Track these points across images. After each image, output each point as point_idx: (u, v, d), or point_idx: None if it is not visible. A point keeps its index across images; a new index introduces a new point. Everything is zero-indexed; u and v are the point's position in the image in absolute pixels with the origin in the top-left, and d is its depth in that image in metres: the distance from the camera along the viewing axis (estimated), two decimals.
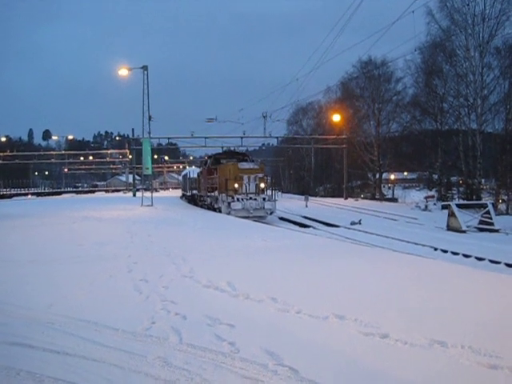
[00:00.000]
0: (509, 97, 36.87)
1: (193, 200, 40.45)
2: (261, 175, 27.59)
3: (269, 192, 27.94)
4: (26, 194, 78.08)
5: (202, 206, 34.07)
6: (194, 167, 58.26)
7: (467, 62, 37.39)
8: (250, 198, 26.35)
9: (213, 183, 30.33)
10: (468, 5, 35.73)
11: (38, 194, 79.94)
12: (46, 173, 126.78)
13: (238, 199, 26.17)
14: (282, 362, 4.42)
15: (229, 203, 26.15)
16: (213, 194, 30.03)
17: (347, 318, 5.67)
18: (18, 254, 11.32)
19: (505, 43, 36.69)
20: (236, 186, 26.69)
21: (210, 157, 34.89)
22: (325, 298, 6.62)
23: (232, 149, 44.24)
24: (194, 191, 40.07)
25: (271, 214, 27.35)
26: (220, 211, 27.10)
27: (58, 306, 6.45)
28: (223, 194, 27.01)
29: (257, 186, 27.02)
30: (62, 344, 4.98)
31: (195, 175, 40.93)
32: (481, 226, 24.07)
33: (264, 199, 26.66)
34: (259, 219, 25.20)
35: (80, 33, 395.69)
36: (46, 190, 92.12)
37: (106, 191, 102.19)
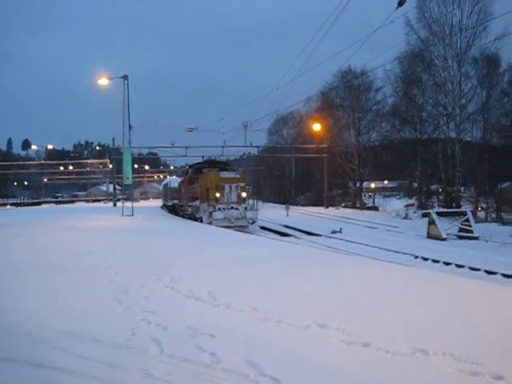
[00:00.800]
0: (486, 106, 37.38)
1: (174, 210, 40.18)
2: (242, 184, 27.43)
3: (250, 201, 27.72)
4: (5, 205, 77.32)
5: (183, 216, 33.82)
6: (174, 177, 58.08)
7: (445, 72, 37.86)
8: (232, 208, 26.13)
9: (194, 193, 30.15)
10: (445, 15, 36.24)
11: (18, 205, 79.15)
12: (26, 183, 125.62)
13: (219, 209, 25.89)
14: (263, 372, 4.39)
15: (210, 213, 25.88)
16: (194, 203, 29.80)
17: (329, 327, 5.66)
18: None
19: (482, 53, 37.27)
20: (217, 195, 26.41)
21: (191, 166, 34.95)
22: (306, 307, 6.62)
23: (213, 158, 44.18)
24: (175, 201, 39.83)
25: (253, 223, 27.18)
26: (202, 221, 26.83)
27: (37, 317, 6.37)
28: (205, 204, 26.78)
29: (238, 195, 26.84)
30: (41, 356, 4.90)
31: (176, 185, 40.77)
32: (460, 234, 24.25)
33: (246, 208, 26.50)
34: (241, 229, 24.93)
35: (60, 42, 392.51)
36: (26, 201, 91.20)
37: (87, 201, 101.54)
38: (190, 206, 31.53)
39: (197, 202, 28.87)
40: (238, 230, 23.05)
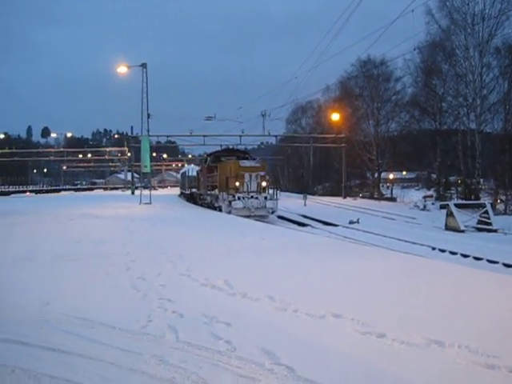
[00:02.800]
0: (508, 97, 36.90)
1: (192, 198, 39.94)
2: (262, 173, 27.13)
3: (270, 191, 27.42)
4: (25, 192, 77.98)
5: (201, 205, 33.56)
6: (192, 165, 58.17)
7: (466, 62, 37.41)
8: (252, 197, 25.88)
9: (213, 181, 29.86)
10: (468, 4, 35.76)
11: (37, 192, 79.78)
12: (45, 170, 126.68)
13: (239, 198, 25.68)
14: (278, 361, 4.40)
15: (229, 202, 25.71)
16: (213, 192, 29.55)
17: (344, 317, 5.65)
18: (15, 251, 11.25)
19: (504, 43, 36.75)
20: (237, 184, 26.13)
21: (209, 154, 34.51)
22: (322, 297, 6.61)
23: (231, 147, 43.93)
24: (194, 189, 39.59)
25: (273, 213, 26.93)
26: (220, 210, 26.57)
27: (54, 304, 6.42)
28: (224, 193, 26.54)
29: (258, 184, 26.56)
30: (58, 342, 4.96)
31: (194, 173, 40.58)
32: (479, 226, 24.08)
33: (266, 198, 26.20)
34: (260, 218, 24.74)
35: (79, 32, 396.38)
36: (45, 188, 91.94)
37: (105, 189, 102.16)
38: (208, 194, 31.25)
39: (216, 191, 28.57)
40: (257, 220, 22.99)
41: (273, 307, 6.21)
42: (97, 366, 4.40)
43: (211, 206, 29.64)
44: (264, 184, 27.07)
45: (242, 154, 31.91)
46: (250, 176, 26.45)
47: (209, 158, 32.96)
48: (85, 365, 4.42)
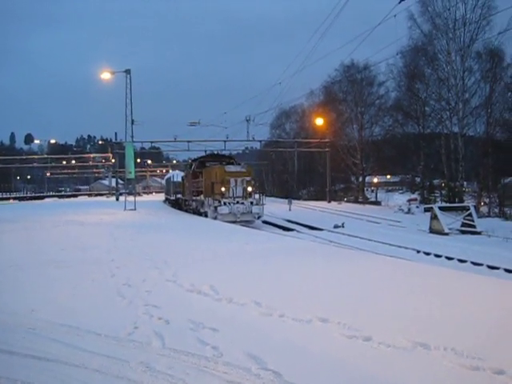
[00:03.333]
0: (489, 100, 37.29)
1: (177, 204, 39.68)
2: (248, 178, 26.83)
3: (256, 196, 27.20)
4: (8, 199, 77.35)
5: (186, 211, 33.36)
6: (177, 171, 58.02)
7: (448, 66, 37.75)
8: (237, 202, 25.71)
9: (198, 187, 29.67)
10: (449, 9, 36.07)
11: (21, 199, 79.20)
12: (29, 177, 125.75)
13: (224, 203, 25.46)
14: (265, 366, 4.41)
15: (215, 207, 25.43)
16: (198, 197, 29.34)
17: (330, 321, 5.67)
18: None
19: (485, 47, 37.16)
20: (223, 189, 25.88)
21: (194, 160, 34.26)
22: (308, 302, 6.62)
23: (216, 152, 43.81)
24: (179, 195, 39.31)
25: (259, 218, 26.78)
26: (206, 216, 26.31)
27: (40, 311, 6.39)
28: (209, 198, 26.31)
29: (244, 189, 26.38)
30: (44, 350, 4.93)
31: (179, 179, 40.36)
32: (463, 229, 24.26)
33: (251, 203, 26.02)
34: (246, 224, 24.55)
35: (64, 37, 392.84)
36: (29, 195, 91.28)
37: (89, 195, 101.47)
38: (194, 200, 31.00)
39: (201, 197, 28.38)
40: (242, 225, 22.86)
41: (259, 312, 6.21)
42: (82, 373, 4.38)
43: (197, 212, 29.42)
44: (250, 189, 26.82)
45: (227, 160, 31.82)
46: (236, 181, 26.19)
47: (194, 164, 32.74)
48: (70, 372, 4.40)
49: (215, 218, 24.87)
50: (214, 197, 25.97)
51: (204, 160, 32.39)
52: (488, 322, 5.65)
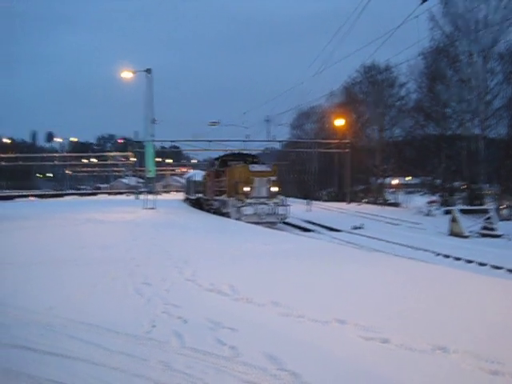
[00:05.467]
0: None
1: (198, 204, 39.07)
2: (273, 178, 25.92)
3: (281, 196, 26.33)
4: (28, 196, 78.06)
5: (208, 211, 32.63)
6: (198, 170, 58.10)
7: (470, 68, 37.38)
8: (262, 203, 24.87)
9: (221, 186, 29.01)
10: (471, 11, 35.72)
11: (41, 196, 79.88)
12: (49, 175, 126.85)
13: (249, 204, 24.70)
14: (283, 367, 4.41)
15: (239, 208, 24.72)
16: (221, 197, 28.58)
17: (348, 323, 5.66)
18: (19, 255, 11.30)
19: (508, 49, 36.70)
20: (247, 189, 25.14)
21: (217, 159, 33.59)
22: (326, 303, 6.62)
23: (238, 151, 43.38)
24: (200, 195, 38.59)
25: (284, 219, 26.03)
26: (229, 216, 25.65)
27: (59, 309, 6.45)
28: (232, 198, 25.68)
29: (269, 189, 25.60)
30: (63, 347, 4.98)
31: (200, 178, 40.04)
32: (483, 232, 24.02)
33: (277, 204, 25.31)
34: (271, 225, 23.90)
35: (84, 37, 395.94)
36: (49, 192, 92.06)
37: (109, 194, 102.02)
38: (216, 200, 30.22)
39: (223, 197, 27.75)
40: (263, 226, 22.24)
41: (277, 312, 6.21)
42: (101, 371, 4.41)
43: (218, 212, 28.74)
44: (275, 189, 25.97)
45: (251, 159, 31.11)
46: (261, 181, 25.49)
47: (216, 162, 32.04)
48: (89, 370, 4.43)
49: (238, 219, 24.20)
50: (238, 197, 25.22)
51: (227, 159, 31.55)
52: (508, 326, 5.61)
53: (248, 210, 24.43)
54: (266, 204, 24.92)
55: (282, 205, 25.59)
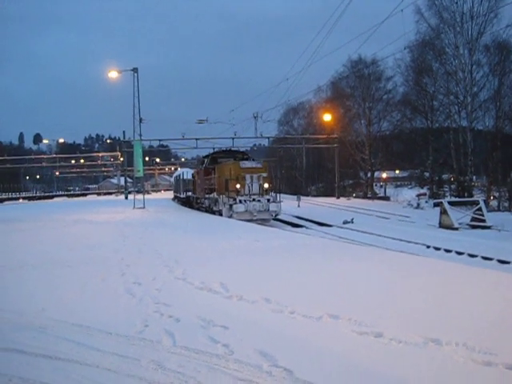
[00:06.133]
0: (498, 94, 37.09)
1: (188, 202, 38.78)
2: (265, 175, 25.74)
3: (272, 193, 25.98)
4: (18, 199, 77.67)
5: (198, 209, 32.40)
6: (187, 168, 57.99)
7: (456, 60, 37.58)
8: (254, 200, 24.52)
9: (211, 184, 28.60)
10: (456, 3, 35.92)
11: (30, 198, 79.55)
12: (38, 177, 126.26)
13: (240, 201, 24.34)
14: (276, 363, 4.39)
15: (230, 205, 24.34)
16: (211, 195, 28.19)
17: (341, 318, 5.65)
18: (9, 258, 11.22)
19: (493, 40, 36.96)
20: (238, 186, 24.69)
21: (206, 156, 33.27)
22: (318, 298, 6.61)
23: (227, 148, 43.07)
24: (189, 193, 38.43)
25: (276, 216, 25.81)
26: (220, 214, 25.41)
27: (50, 310, 6.40)
28: (223, 196, 25.25)
29: (260, 186, 25.23)
30: (55, 349, 4.94)
31: (189, 176, 39.79)
32: (473, 223, 24.15)
33: (268, 200, 24.93)
34: (263, 222, 23.58)
35: (70, 38, 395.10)
36: (38, 194, 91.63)
37: (98, 194, 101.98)
38: (206, 198, 29.87)
39: (214, 194, 27.36)
40: (259, 224, 22.17)
41: (269, 309, 6.20)
42: (93, 372, 4.38)
43: (209, 210, 28.46)
44: (267, 186, 25.58)
45: (241, 155, 30.75)
46: (252, 177, 25.15)
47: (206, 160, 31.68)
48: (81, 371, 4.40)
49: (230, 217, 23.93)
50: (229, 194, 24.80)
51: (216, 156, 31.28)
52: (500, 318, 5.62)
53: (240, 208, 24.14)
54: (257, 201, 24.64)
55: (274, 201, 25.29)
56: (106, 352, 4.83)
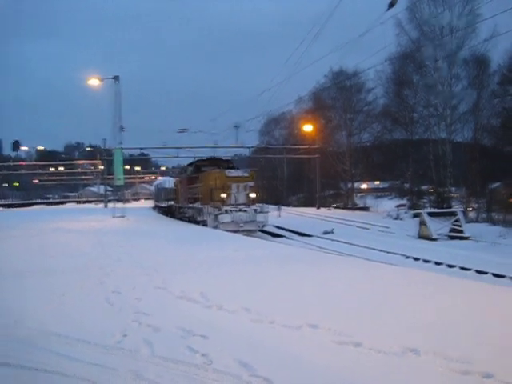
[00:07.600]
0: (477, 107, 37.51)
1: (169, 211, 37.93)
2: (251, 184, 25.25)
3: (259, 203, 25.37)
4: None
5: (181, 219, 31.42)
6: (168, 177, 57.65)
7: (436, 73, 37.95)
8: (240, 210, 23.96)
9: (195, 193, 27.76)
10: (436, 17, 36.30)
11: (8, 206, 78.68)
12: (16, 184, 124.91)
13: (226, 211, 23.72)
14: (256, 373, 4.39)
15: (216, 215, 23.64)
16: (195, 205, 27.31)
17: (320, 327, 5.67)
18: None
19: (472, 54, 37.36)
20: (223, 196, 24.19)
21: (190, 164, 32.66)
22: (298, 308, 6.62)
23: (212, 157, 42.53)
24: (171, 202, 37.57)
25: (263, 227, 25.19)
26: (205, 224, 24.58)
27: (27, 320, 6.33)
28: (208, 206, 24.51)
29: (247, 195, 24.71)
30: (32, 359, 4.89)
31: (171, 185, 39.23)
32: (451, 234, 24.36)
33: (255, 211, 24.35)
34: (249, 233, 23.04)
35: (51, 45, 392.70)
36: (16, 202, 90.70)
37: (78, 202, 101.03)
38: (189, 207, 29.09)
39: (198, 204, 26.51)
40: (246, 235, 21.82)
41: (249, 319, 6.19)
42: (72, 382, 4.34)
43: (193, 220, 27.58)
44: (253, 195, 24.98)
45: (226, 164, 29.92)
46: (238, 187, 24.61)
47: (189, 168, 30.98)
48: (58, 382, 4.36)
49: (216, 227, 23.25)
50: (214, 204, 24.15)
51: (200, 164, 30.41)
52: (477, 327, 5.67)
53: (225, 218, 23.56)
54: (244, 211, 24.07)
55: (262, 212, 24.73)
56: (84, 362, 4.79)
